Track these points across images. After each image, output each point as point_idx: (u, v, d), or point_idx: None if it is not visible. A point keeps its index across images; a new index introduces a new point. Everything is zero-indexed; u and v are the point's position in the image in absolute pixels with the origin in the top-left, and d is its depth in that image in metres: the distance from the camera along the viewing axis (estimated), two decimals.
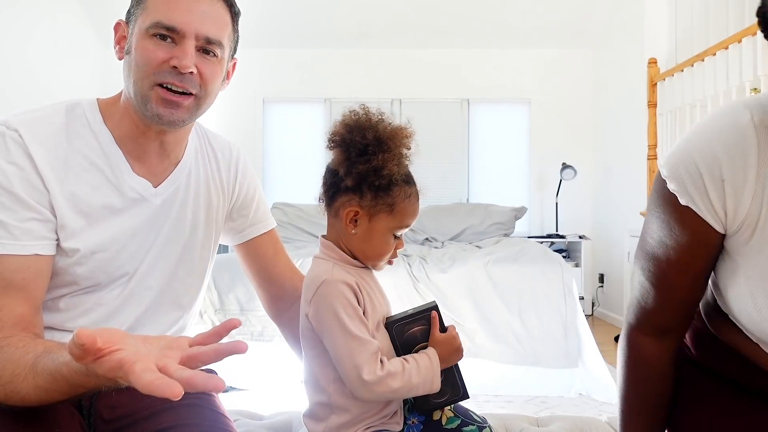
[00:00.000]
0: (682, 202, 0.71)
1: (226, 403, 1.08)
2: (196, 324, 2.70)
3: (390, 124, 0.92)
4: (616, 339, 3.69)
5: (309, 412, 0.96)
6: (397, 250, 0.97)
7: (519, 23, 4.78)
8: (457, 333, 0.97)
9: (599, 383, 2.49)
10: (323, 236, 1.00)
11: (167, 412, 0.93)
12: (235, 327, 0.62)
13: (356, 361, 0.86)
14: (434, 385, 0.92)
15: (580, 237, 4.47)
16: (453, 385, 0.98)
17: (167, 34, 0.85)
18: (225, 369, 2.61)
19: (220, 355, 0.59)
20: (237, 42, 0.98)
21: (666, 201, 0.74)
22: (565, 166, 4.62)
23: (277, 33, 4.89)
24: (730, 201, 0.69)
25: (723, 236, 0.73)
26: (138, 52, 0.86)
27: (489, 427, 1.00)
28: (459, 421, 0.99)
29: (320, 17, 4.78)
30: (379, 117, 0.92)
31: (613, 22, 4.56)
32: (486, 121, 5.17)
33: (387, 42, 5.04)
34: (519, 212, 4.13)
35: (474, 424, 0.99)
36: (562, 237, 4.55)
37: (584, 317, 2.61)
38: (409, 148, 0.93)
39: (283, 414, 1.29)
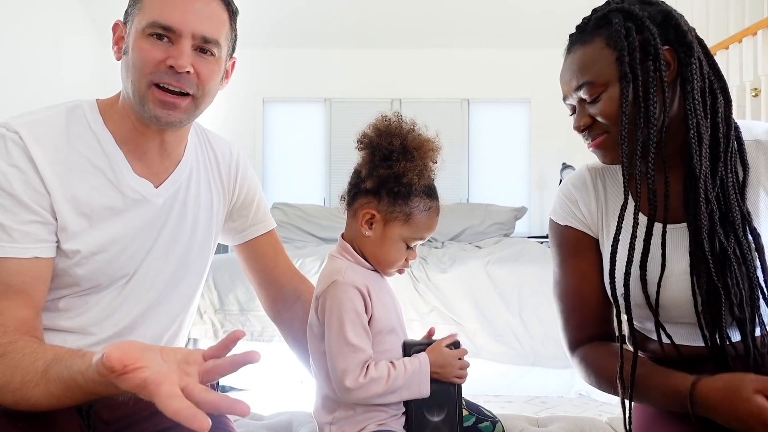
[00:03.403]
0: (562, 224, 1.04)
1: None
2: (196, 324, 2.70)
3: (419, 135, 0.95)
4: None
5: (318, 404, 0.98)
6: (409, 261, 0.98)
7: (519, 23, 4.77)
8: (461, 357, 0.96)
9: None
10: (342, 235, 1.01)
11: None
12: (240, 338, 0.64)
13: (343, 365, 0.89)
14: (422, 389, 0.92)
15: None
16: (451, 425, 0.94)
17: (163, 33, 0.85)
18: None
19: (235, 366, 0.61)
20: (235, 41, 0.98)
21: (555, 232, 1.06)
22: (565, 166, 4.62)
23: (278, 33, 4.89)
24: (587, 215, 1.02)
25: (596, 241, 1.02)
26: (135, 53, 0.86)
27: (500, 421, 1.02)
28: (474, 418, 1.00)
29: (320, 17, 4.78)
30: (411, 127, 0.95)
31: None
32: (486, 121, 5.17)
33: (387, 42, 5.03)
34: (519, 212, 4.13)
35: (488, 420, 1.01)
36: None
37: None
38: (435, 162, 0.96)
39: (283, 414, 1.29)
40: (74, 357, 0.71)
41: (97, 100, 0.95)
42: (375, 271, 0.98)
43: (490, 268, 2.70)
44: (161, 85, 0.86)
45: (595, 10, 0.95)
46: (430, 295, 2.64)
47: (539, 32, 4.87)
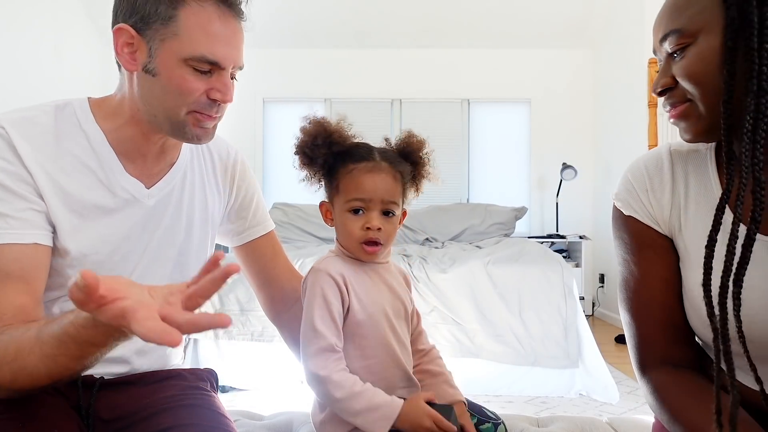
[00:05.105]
0: (626, 212, 0.86)
1: (226, 403, 1.08)
2: None
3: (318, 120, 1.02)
4: (617, 339, 3.68)
5: (314, 403, 0.99)
6: (371, 234, 0.94)
7: (519, 23, 4.78)
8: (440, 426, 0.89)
9: (599, 383, 2.48)
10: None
11: (167, 412, 0.93)
12: (220, 259, 0.63)
13: (307, 350, 0.91)
14: (375, 425, 0.88)
15: (581, 237, 4.47)
16: None
17: (208, 67, 0.86)
18: (225, 369, 2.61)
19: (216, 284, 0.60)
20: None
21: (618, 221, 0.89)
22: (565, 166, 4.62)
23: (277, 33, 4.89)
24: (656, 207, 0.85)
25: (669, 239, 0.84)
26: (173, 81, 0.85)
27: (503, 423, 1.01)
28: (475, 420, 0.99)
29: (320, 17, 4.78)
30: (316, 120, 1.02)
31: (613, 22, 4.56)
32: (486, 121, 5.17)
33: (387, 42, 5.03)
34: (519, 212, 4.13)
35: (489, 422, 1.00)
36: (563, 237, 4.54)
37: (584, 317, 2.61)
38: (347, 132, 1.00)
39: (283, 414, 1.28)
40: (65, 314, 0.70)
41: (88, 98, 0.94)
42: (364, 261, 0.99)
43: (491, 268, 2.70)
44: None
45: None
46: (430, 295, 2.63)
47: (539, 32, 4.88)
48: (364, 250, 0.96)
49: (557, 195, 4.80)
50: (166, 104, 0.86)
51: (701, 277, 0.70)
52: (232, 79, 0.91)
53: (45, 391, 0.86)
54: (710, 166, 0.81)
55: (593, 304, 4.69)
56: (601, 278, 4.69)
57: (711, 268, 0.69)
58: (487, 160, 5.14)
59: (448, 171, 4.95)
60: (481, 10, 4.66)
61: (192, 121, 0.88)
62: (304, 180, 1.02)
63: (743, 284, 0.66)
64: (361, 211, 0.95)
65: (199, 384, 1.04)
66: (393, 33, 4.93)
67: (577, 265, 4.31)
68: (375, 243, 0.95)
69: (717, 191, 0.79)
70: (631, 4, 4.20)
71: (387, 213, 0.96)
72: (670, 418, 0.78)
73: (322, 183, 1.02)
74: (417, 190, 1.06)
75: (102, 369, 0.93)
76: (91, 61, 4.58)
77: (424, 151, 1.04)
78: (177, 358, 1.09)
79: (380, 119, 5.15)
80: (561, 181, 4.72)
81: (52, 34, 4.11)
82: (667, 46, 0.74)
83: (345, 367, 0.92)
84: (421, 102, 5.14)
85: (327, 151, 0.98)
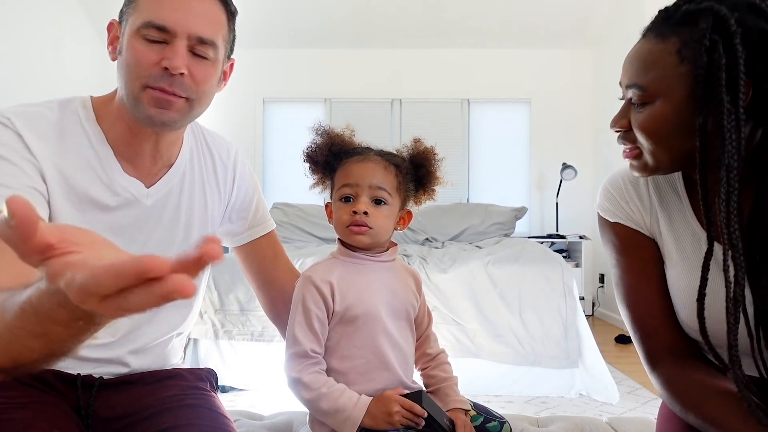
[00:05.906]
0: (611, 220, 0.94)
1: (226, 403, 1.08)
2: (196, 324, 2.70)
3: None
4: (617, 339, 3.68)
5: None
6: (357, 217, 0.95)
7: (519, 23, 4.78)
8: (404, 416, 0.90)
9: (599, 383, 2.48)
10: None
11: (166, 412, 0.93)
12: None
13: (285, 354, 0.95)
14: (344, 427, 0.89)
15: (581, 237, 4.47)
16: None
17: (158, 34, 0.83)
18: (225, 369, 2.61)
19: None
20: (233, 42, 0.96)
21: (605, 228, 0.96)
22: (565, 166, 4.62)
23: (277, 33, 4.89)
24: (637, 214, 0.91)
25: (654, 241, 0.91)
26: (129, 53, 0.84)
27: (508, 422, 1.02)
28: (482, 418, 1.00)
29: (320, 17, 4.78)
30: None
31: (614, 23, 4.56)
32: (486, 121, 5.17)
33: (387, 42, 5.03)
34: (519, 212, 4.12)
35: (495, 420, 1.01)
36: (563, 237, 4.54)
37: (584, 317, 2.60)
38: (352, 138, 1.04)
39: (283, 414, 1.29)
40: (37, 280, 0.56)
41: (91, 97, 0.94)
42: (364, 259, 1.00)
43: (491, 268, 2.70)
44: (155, 88, 0.84)
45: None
46: (430, 295, 2.63)
47: (539, 33, 4.88)
48: (351, 231, 0.97)
49: (557, 195, 4.80)
50: (126, 80, 0.85)
51: (678, 279, 0.82)
52: (198, 56, 0.86)
53: (44, 391, 0.86)
54: (678, 182, 0.89)
55: (593, 304, 4.69)
56: (601, 278, 4.69)
57: (704, 318, 0.76)
58: (487, 160, 5.14)
59: (448, 171, 4.91)
60: (481, 10, 4.66)
61: (146, 98, 0.84)
62: (313, 186, 1.06)
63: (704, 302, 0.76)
64: (351, 199, 0.97)
65: (198, 384, 1.04)
66: (393, 33, 4.93)
67: (577, 265, 4.31)
68: (361, 225, 0.96)
69: (685, 204, 0.88)
70: (631, 4, 4.20)
71: (378, 202, 0.97)
72: (682, 409, 0.82)
73: (328, 185, 1.05)
74: (425, 193, 1.07)
75: (100, 369, 0.93)
76: (91, 61, 4.58)
77: (435, 158, 1.07)
78: (176, 358, 1.09)
79: (380, 119, 5.15)
80: (561, 181, 4.72)
81: (52, 34, 4.11)
82: (630, 94, 0.79)
83: (319, 370, 0.93)
84: (421, 102, 5.14)
85: (328, 152, 1.01)
